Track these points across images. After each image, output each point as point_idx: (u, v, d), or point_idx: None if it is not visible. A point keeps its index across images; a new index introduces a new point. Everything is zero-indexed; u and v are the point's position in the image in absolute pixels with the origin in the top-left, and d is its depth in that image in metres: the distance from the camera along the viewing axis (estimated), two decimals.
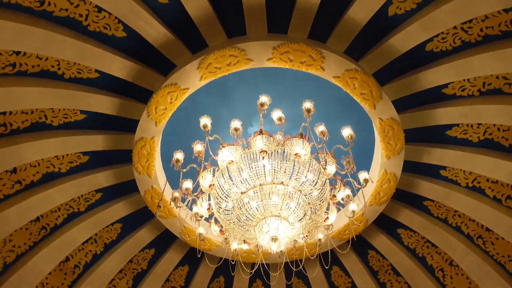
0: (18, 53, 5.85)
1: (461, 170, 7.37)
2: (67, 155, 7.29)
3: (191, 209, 6.97)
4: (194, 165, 6.34)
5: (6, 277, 7.27)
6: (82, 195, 7.78)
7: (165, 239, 8.56)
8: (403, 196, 7.99)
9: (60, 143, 7.00)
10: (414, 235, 8.42)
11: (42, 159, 7.09)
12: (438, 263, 8.42)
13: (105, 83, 6.71)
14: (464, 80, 6.50)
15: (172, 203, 6.59)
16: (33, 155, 6.87)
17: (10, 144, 6.54)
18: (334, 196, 6.49)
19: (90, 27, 6.02)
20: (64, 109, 6.81)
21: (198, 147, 6.32)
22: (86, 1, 5.69)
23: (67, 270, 8.06)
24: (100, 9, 5.86)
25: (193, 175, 6.52)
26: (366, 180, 6.52)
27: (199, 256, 7.49)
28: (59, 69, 6.33)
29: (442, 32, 6.04)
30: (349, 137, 6.34)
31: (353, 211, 6.71)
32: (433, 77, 6.46)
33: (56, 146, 6.99)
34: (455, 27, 5.95)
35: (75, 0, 5.63)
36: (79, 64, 6.33)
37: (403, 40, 6.17)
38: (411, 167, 7.62)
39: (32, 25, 5.51)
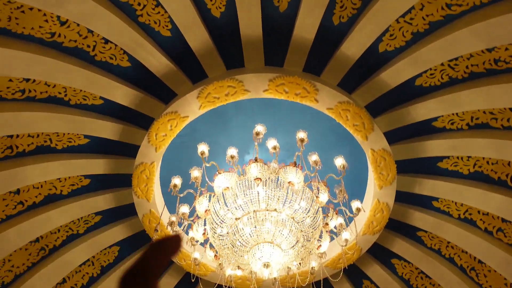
0: (27, 80, 6.20)
1: (452, 201, 7.51)
2: (69, 177, 7.53)
3: (187, 233, 7.15)
4: (191, 191, 6.56)
5: None
6: (82, 217, 7.96)
7: None
8: (396, 226, 8.11)
9: (63, 166, 7.25)
10: (408, 266, 8.47)
11: (45, 181, 7.33)
12: None
13: (109, 110, 7.02)
14: (453, 114, 6.75)
15: (169, 227, 6.78)
16: (36, 177, 7.11)
17: (15, 166, 6.80)
18: (327, 224, 6.65)
19: (97, 57, 6.39)
20: (68, 133, 7.10)
21: (195, 173, 6.56)
22: (94, 33, 6.07)
23: None
24: (106, 41, 6.23)
25: (190, 200, 6.73)
26: (358, 209, 6.70)
27: (193, 281, 7.57)
28: (65, 95, 6.67)
29: (430, 69, 6.34)
30: (342, 166, 6.56)
31: (346, 240, 6.85)
32: (422, 110, 6.72)
33: (59, 168, 7.24)
34: (442, 64, 6.25)
35: (83, 32, 6.01)
36: (85, 91, 6.67)
37: (393, 75, 6.47)
38: (404, 198, 7.77)
39: (42, 54, 5.87)
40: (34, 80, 6.23)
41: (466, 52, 5.92)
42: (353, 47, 6.29)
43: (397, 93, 6.72)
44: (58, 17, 5.64)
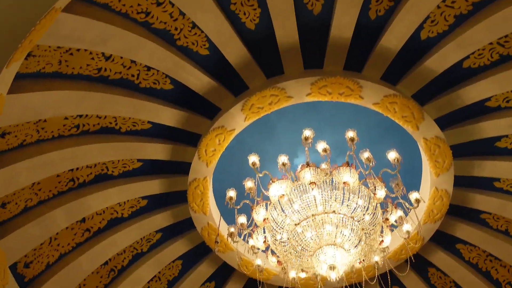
0: (81, 116, 6.48)
1: None
2: (128, 201, 7.83)
3: (247, 242, 7.26)
4: (247, 201, 6.66)
5: None
6: (144, 237, 8.27)
7: (224, 272, 8.86)
8: (458, 211, 7.88)
9: (121, 191, 7.55)
10: (475, 250, 8.22)
11: (107, 207, 7.66)
12: (504, 276, 8.15)
13: (158, 132, 7.23)
14: (508, 91, 6.46)
15: (229, 238, 6.91)
16: (98, 204, 7.44)
17: (78, 197, 7.15)
18: (387, 219, 6.54)
19: (141, 84, 6.58)
20: (122, 159, 7.37)
21: (249, 184, 6.63)
22: (137, 63, 6.25)
23: None
24: (149, 68, 6.40)
25: (245, 209, 6.83)
26: (417, 200, 6.55)
27: (259, 287, 7.70)
28: (116, 124, 6.92)
29: (478, 49, 6.09)
30: (395, 160, 6.43)
31: (408, 232, 6.73)
32: (474, 92, 6.47)
33: (117, 194, 7.54)
34: (491, 43, 5.99)
35: (127, 63, 6.20)
36: (133, 118, 6.89)
37: (439, 61, 6.26)
38: (463, 182, 7.54)
39: (91, 90, 6.11)
40: (86, 115, 6.50)
41: None
42: (394, 38, 6.13)
43: (444, 78, 6.50)
44: (103, 53, 5.85)
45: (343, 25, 6.01)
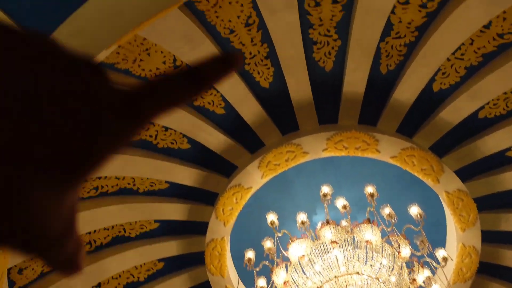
0: (99, 177, 6.57)
1: None
2: (144, 264, 7.65)
3: None
4: (266, 262, 6.45)
5: None
6: None
7: None
8: (488, 269, 7.44)
9: (138, 254, 7.41)
10: None
11: (123, 271, 7.49)
12: None
13: (175, 192, 7.23)
14: None
15: None
16: (115, 268, 7.29)
17: (95, 261, 7.03)
18: (414, 279, 6.21)
19: (159, 144, 6.70)
20: (140, 220, 7.32)
21: (268, 244, 6.47)
22: (155, 124, 6.42)
23: None
24: (166, 128, 6.56)
25: (265, 271, 6.59)
26: (445, 259, 6.27)
27: None
28: (134, 185, 6.96)
29: (492, 99, 6.10)
30: (418, 215, 6.25)
31: None
32: (492, 143, 6.38)
33: (134, 256, 7.40)
34: (505, 93, 6.00)
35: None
36: (151, 178, 6.94)
37: (454, 112, 6.26)
38: (491, 237, 7.19)
39: None
40: (105, 177, 6.58)
41: None
42: (406, 91, 6.21)
43: (461, 129, 6.46)
44: None
45: (355, 80, 6.14)
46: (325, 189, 6.22)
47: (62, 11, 3.87)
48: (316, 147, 6.63)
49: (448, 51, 5.71)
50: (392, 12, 5.49)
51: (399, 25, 5.66)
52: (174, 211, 7.32)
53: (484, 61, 5.78)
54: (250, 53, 6.03)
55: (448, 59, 5.85)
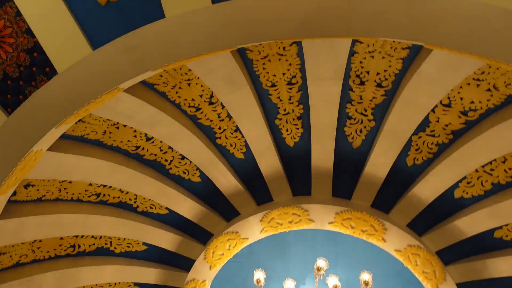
0: (105, 185, 6.53)
1: None
2: (119, 283, 7.43)
3: None
4: None
5: None
6: None
7: None
8: None
9: (118, 271, 7.21)
10: None
11: (96, 284, 7.27)
12: None
13: (172, 220, 7.12)
14: None
15: None
16: (90, 279, 7.09)
17: (74, 265, 6.86)
18: None
19: (172, 170, 6.69)
20: (129, 238, 7.18)
21: None
22: (173, 150, 6.44)
23: None
24: (183, 157, 6.56)
25: None
26: None
27: None
28: (135, 202, 6.89)
29: None
30: None
31: None
32: (504, 266, 6.12)
33: (113, 273, 7.20)
34: None
35: (165, 148, 6.40)
36: (153, 200, 6.87)
37: (470, 224, 6.07)
38: None
39: (124, 165, 6.23)
40: (110, 186, 6.55)
41: None
42: (427, 190, 6.10)
43: (473, 243, 6.25)
44: (146, 134, 6.10)
45: (379, 164, 6.09)
46: (321, 262, 6.02)
47: (124, 26, 4.02)
48: (323, 218, 6.50)
49: (479, 162, 5.63)
50: (432, 110, 5.51)
51: (436, 124, 5.66)
52: (166, 239, 7.16)
53: None
54: (285, 110, 6.09)
55: (477, 170, 5.77)
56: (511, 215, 5.83)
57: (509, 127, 5.10)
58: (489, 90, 5.07)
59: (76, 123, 5.28)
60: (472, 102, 5.27)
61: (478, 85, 5.08)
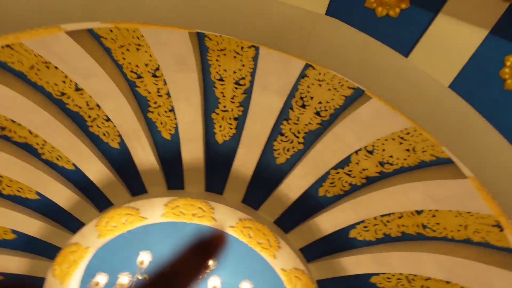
0: (14, 121, 6.04)
1: None
2: None
3: None
4: None
5: None
6: None
7: None
8: None
9: None
10: None
11: None
12: None
13: (75, 179, 6.82)
14: None
15: None
16: None
17: None
18: None
19: (92, 128, 6.38)
20: (22, 183, 6.71)
21: (123, 279, 6.10)
22: (100, 108, 6.13)
23: None
24: (108, 119, 6.29)
25: None
26: None
27: None
28: (41, 148, 6.48)
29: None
30: None
31: None
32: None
33: None
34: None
35: (92, 103, 6.08)
36: (62, 152, 6.50)
37: (354, 263, 6.50)
38: None
39: (43, 107, 5.81)
40: (20, 124, 6.08)
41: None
42: (328, 222, 6.44)
43: (351, 281, 6.69)
44: (77, 84, 5.76)
45: (293, 185, 6.33)
46: (144, 256, 6.23)
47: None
48: (154, 212, 6.63)
49: (380, 212, 6.06)
50: (356, 152, 5.84)
51: (355, 166, 6.00)
52: (62, 195, 6.79)
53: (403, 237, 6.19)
54: (224, 107, 6.10)
55: (375, 218, 6.20)
56: (390, 266, 6.35)
57: (416, 189, 5.55)
58: (408, 150, 5.49)
59: (2, 47, 4.84)
60: (391, 156, 5.67)
61: (401, 143, 5.48)
